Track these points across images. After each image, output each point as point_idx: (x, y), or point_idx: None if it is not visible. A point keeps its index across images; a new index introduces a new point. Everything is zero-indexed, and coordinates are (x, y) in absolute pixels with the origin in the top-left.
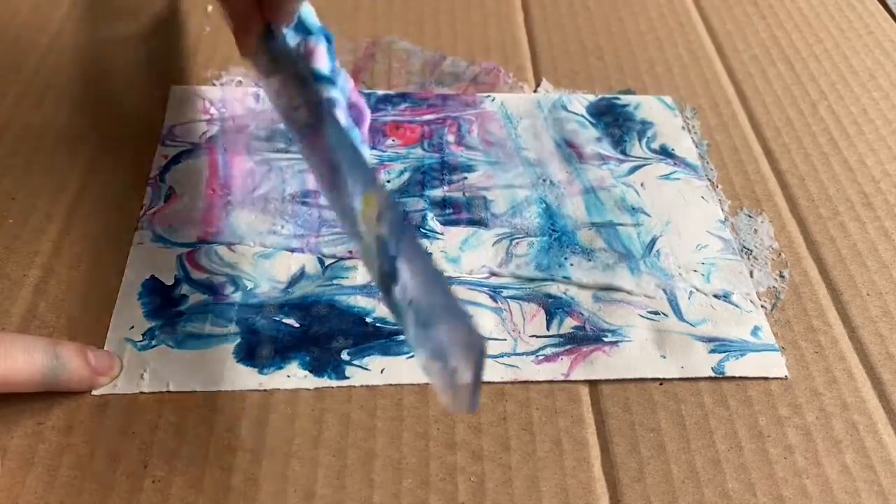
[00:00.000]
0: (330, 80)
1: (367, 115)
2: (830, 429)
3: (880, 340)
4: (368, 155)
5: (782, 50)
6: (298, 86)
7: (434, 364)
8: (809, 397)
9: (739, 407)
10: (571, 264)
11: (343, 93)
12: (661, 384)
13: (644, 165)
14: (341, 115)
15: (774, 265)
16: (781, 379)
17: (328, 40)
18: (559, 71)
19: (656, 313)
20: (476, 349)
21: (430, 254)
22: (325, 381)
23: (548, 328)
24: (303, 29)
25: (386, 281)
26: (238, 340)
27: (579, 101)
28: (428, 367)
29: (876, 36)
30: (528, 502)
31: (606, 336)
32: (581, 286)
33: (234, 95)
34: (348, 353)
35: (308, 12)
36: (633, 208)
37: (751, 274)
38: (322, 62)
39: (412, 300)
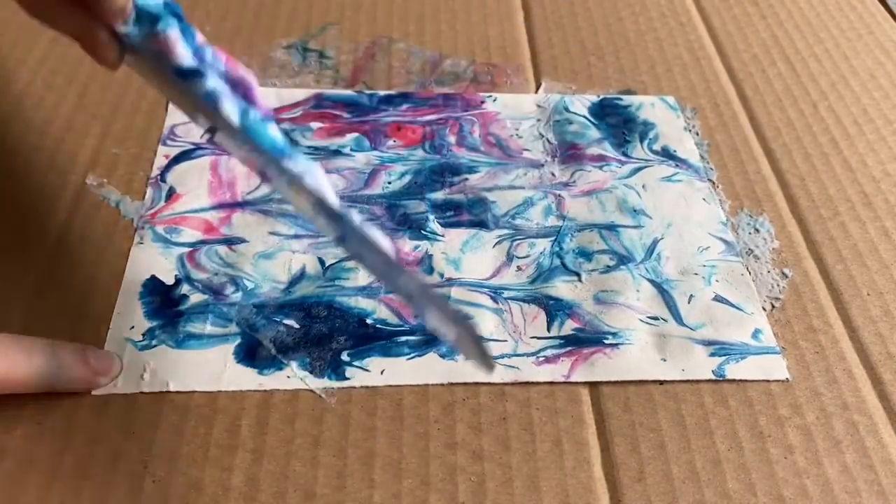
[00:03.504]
0: (198, 73)
1: (253, 83)
2: (831, 429)
3: (880, 340)
4: (273, 130)
5: (783, 50)
6: (178, 91)
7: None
8: (810, 397)
9: (740, 407)
10: (572, 266)
11: (217, 72)
12: (661, 384)
13: (646, 167)
14: (228, 105)
15: (775, 265)
16: (782, 380)
17: (177, 17)
18: (559, 71)
19: (655, 318)
20: (463, 324)
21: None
22: (325, 382)
23: (548, 330)
24: (147, 16)
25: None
26: (238, 341)
27: (581, 102)
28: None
29: (876, 36)
30: (529, 502)
31: (607, 338)
32: (582, 288)
33: None
34: (348, 354)
35: None
36: (635, 210)
37: (752, 275)
38: (180, 52)
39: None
